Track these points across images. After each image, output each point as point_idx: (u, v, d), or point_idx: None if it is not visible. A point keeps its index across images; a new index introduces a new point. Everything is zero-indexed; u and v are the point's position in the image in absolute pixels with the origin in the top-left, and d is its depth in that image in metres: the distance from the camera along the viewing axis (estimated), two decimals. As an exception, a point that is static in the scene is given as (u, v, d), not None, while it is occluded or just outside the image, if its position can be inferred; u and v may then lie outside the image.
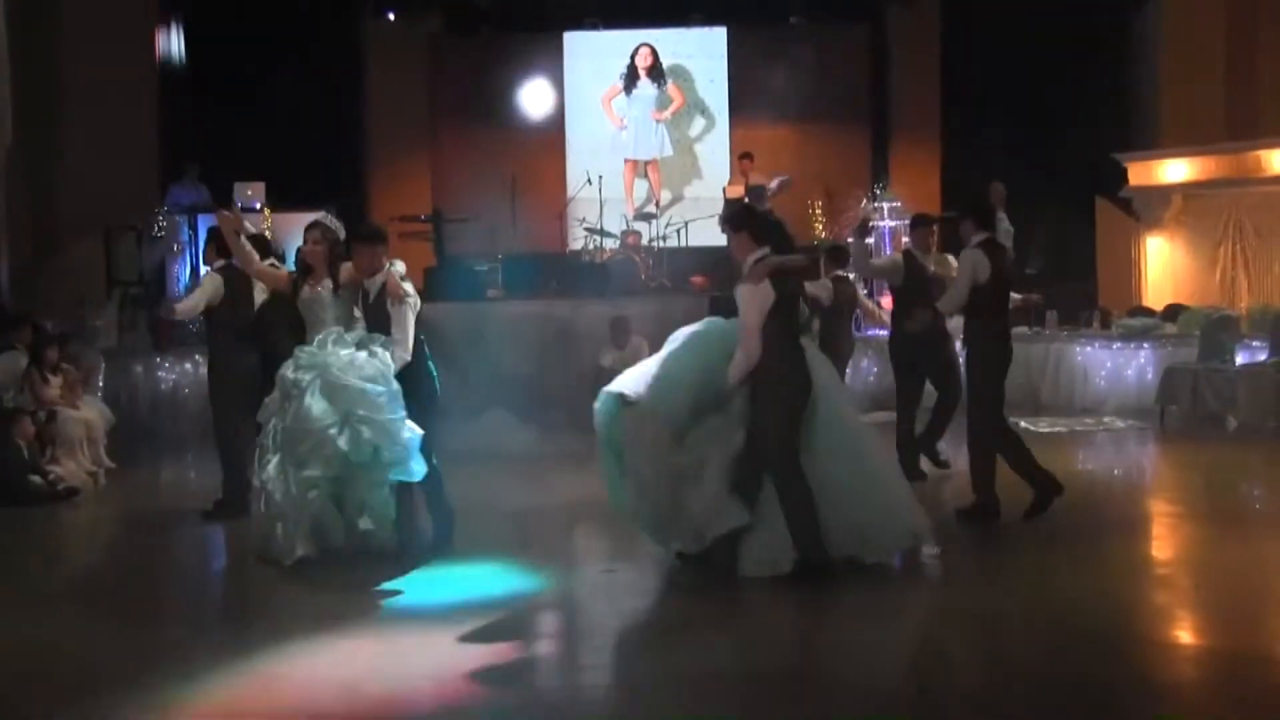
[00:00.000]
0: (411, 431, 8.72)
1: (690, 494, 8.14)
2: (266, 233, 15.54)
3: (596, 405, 8.53)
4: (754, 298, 8.08)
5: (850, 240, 13.57)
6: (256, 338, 10.68)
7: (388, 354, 8.79)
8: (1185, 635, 7.40)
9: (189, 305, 11.15)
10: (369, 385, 8.65)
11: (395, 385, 8.72)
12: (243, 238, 10.13)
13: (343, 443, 8.59)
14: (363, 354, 8.81)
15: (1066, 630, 7.23)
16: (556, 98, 21.85)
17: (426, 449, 8.85)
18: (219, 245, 10.76)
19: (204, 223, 18.21)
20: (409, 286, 8.99)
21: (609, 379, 14.71)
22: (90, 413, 12.98)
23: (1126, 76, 20.17)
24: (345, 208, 18.47)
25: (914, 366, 11.55)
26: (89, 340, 16.13)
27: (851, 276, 13.03)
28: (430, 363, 9.15)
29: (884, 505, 8.37)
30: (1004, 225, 11.02)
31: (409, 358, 8.90)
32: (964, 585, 8.48)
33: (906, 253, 11.88)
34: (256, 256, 10.08)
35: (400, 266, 9.15)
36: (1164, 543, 9.97)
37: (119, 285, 18.20)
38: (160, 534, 10.52)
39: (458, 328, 16.65)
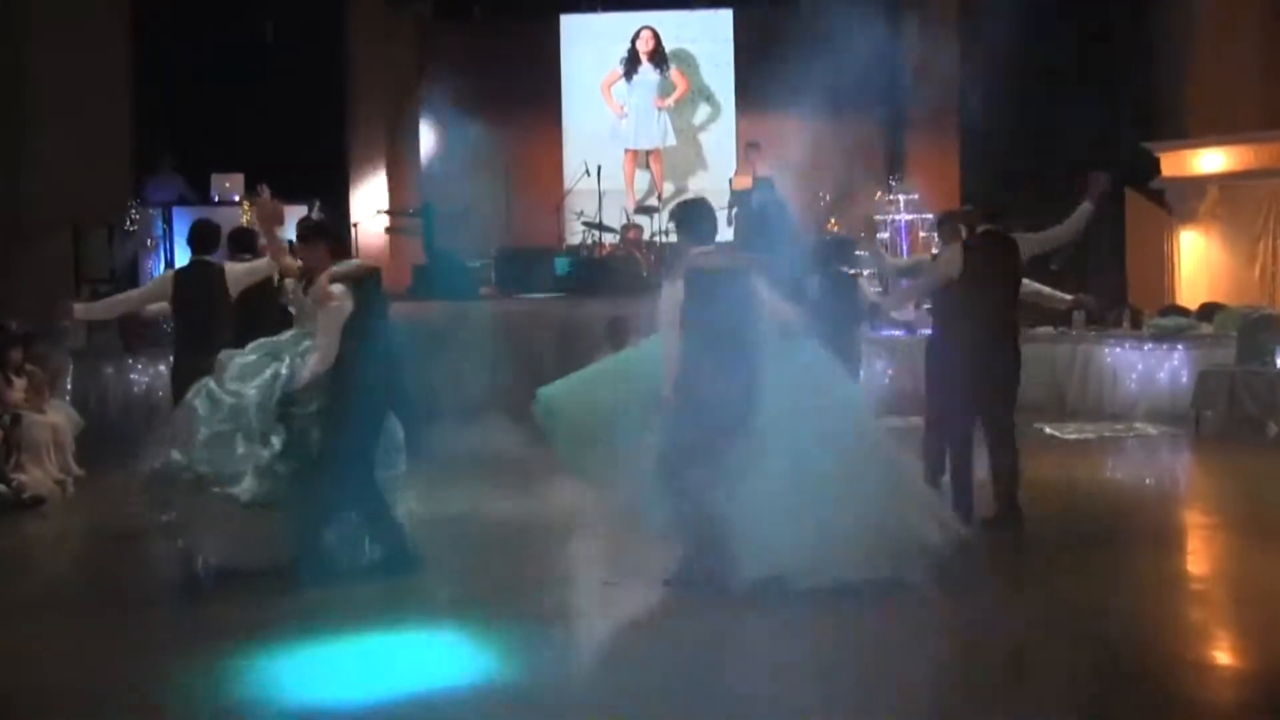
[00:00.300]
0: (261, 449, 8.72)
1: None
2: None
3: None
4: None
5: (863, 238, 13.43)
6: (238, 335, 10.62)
7: (297, 363, 8.79)
8: (1222, 655, 7.36)
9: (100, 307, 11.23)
10: (240, 397, 8.71)
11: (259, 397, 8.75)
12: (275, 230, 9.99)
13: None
14: (274, 363, 8.83)
15: (1094, 649, 7.17)
16: (553, 84, 21.82)
17: (357, 467, 8.79)
18: (236, 240, 10.62)
19: (179, 216, 18.22)
20: (336, 289, 8.75)
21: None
22: (57, 417, 12.91)
23: (1158, 63, 20.11)
24: (329, 201, 18.59)
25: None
26: (56, 340, 16.04)
27: (865, 274, 12.98)
28: (370, 372, 8.83)
29: (899, 518, 8.33)
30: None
31: (322, 368, 8.71)
32: (985, 600, 8.42)
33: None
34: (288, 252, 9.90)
35: (346, 266, 9.06)
36: (1199, 556, 9.92)
37: (88, 283, 18.15)
38: (131, 545, 10.46)
39: (449, 327, 16.64)
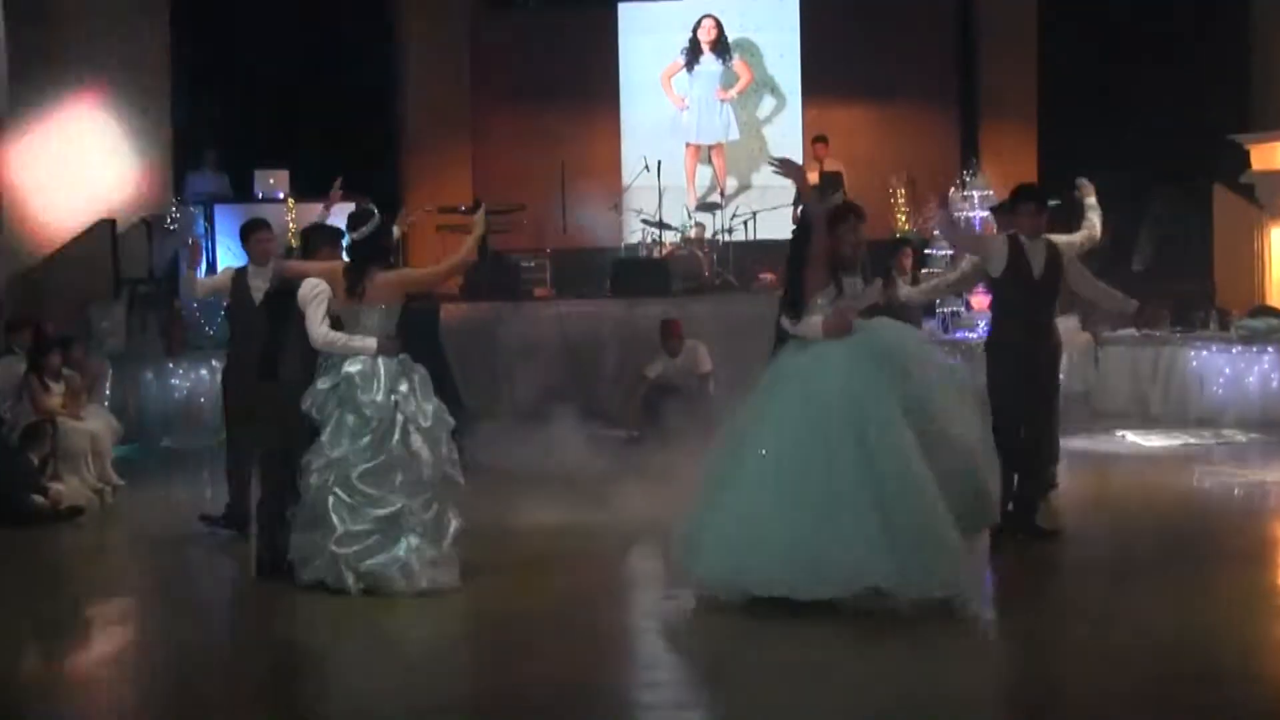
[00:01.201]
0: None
1: None
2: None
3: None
4: None
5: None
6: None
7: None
8: (1316, 676, 7.28)
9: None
10: None
11: None
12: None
13: None
14: None
15: (1176, 671, 7.11)
16: (610, 76, 21.81)
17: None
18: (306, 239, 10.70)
19: (221, 214, 18.31)
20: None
21: (657, 394, 14.73)
22: (96, 424, 12.99)
23: (1247, 49, 19.94)
24: (378, 198, 18.62)
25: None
26: (94, 344, 16.21)
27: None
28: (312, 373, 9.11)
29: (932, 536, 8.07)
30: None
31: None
32: (1060, 618, 8.37)
33: (1011, 237, 11.39)
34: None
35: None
36: (1291, 570, 9.84)
37: (127, 283, 18.29)
38: (171, 558, 10.54)
39: (502, 330, 16.72)
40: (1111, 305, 11.71)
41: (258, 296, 10.74)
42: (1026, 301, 10.09)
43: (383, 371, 8.79)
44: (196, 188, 19.19)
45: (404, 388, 8.83)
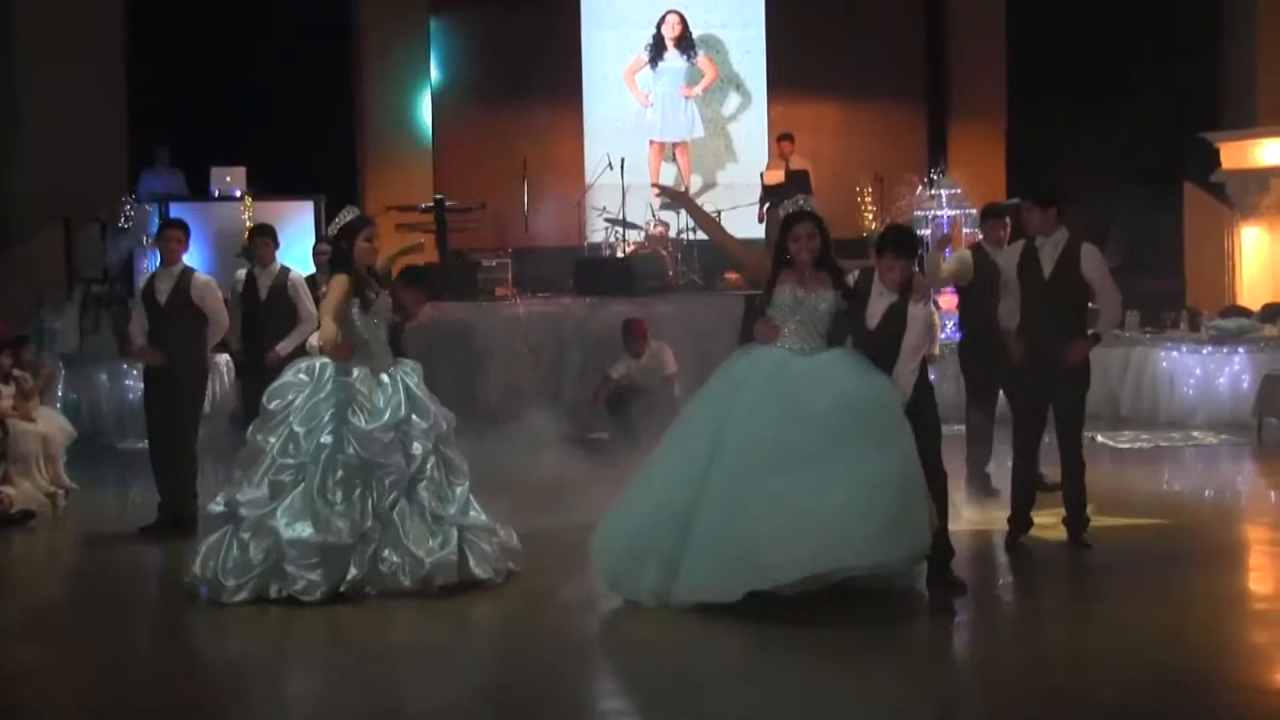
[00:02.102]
0: None
1: None
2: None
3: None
4: None
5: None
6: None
7: None
8: (1287, 679, 7.33)
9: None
10: None
11: None
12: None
13: None
14: None
15: (1149, 672, 7.15)
16: (573, 72, 21.78)
17: None
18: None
19: (177, 213, 18.23)
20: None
21: (620, 395, 14.72)
22: (48, 426, 12.90)
23: (1217, 47, 20.04)
24: (335, 197, 18.58)
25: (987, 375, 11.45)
26: (46, 344, 16.12)
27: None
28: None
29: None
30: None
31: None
32: (1035, 621, 8.41)
33: (976, 247, 11.83)
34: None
35: None
36: (1263, 574, 9.87)
37: (81, 283, 18.21)
38: (126, 562, 10.48)
39: (462, 330, 16.66)
40: None
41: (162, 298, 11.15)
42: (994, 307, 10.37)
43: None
44: (149, 186, 19.12)
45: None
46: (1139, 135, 19.00)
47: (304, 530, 8.65)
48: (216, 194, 18.73)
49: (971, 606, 8.51)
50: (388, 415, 8.89)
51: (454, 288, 17.49)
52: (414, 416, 8.99)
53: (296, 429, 8.85)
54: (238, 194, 18.39)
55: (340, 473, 8.77)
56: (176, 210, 18.11)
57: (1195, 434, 15.25)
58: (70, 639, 8.32)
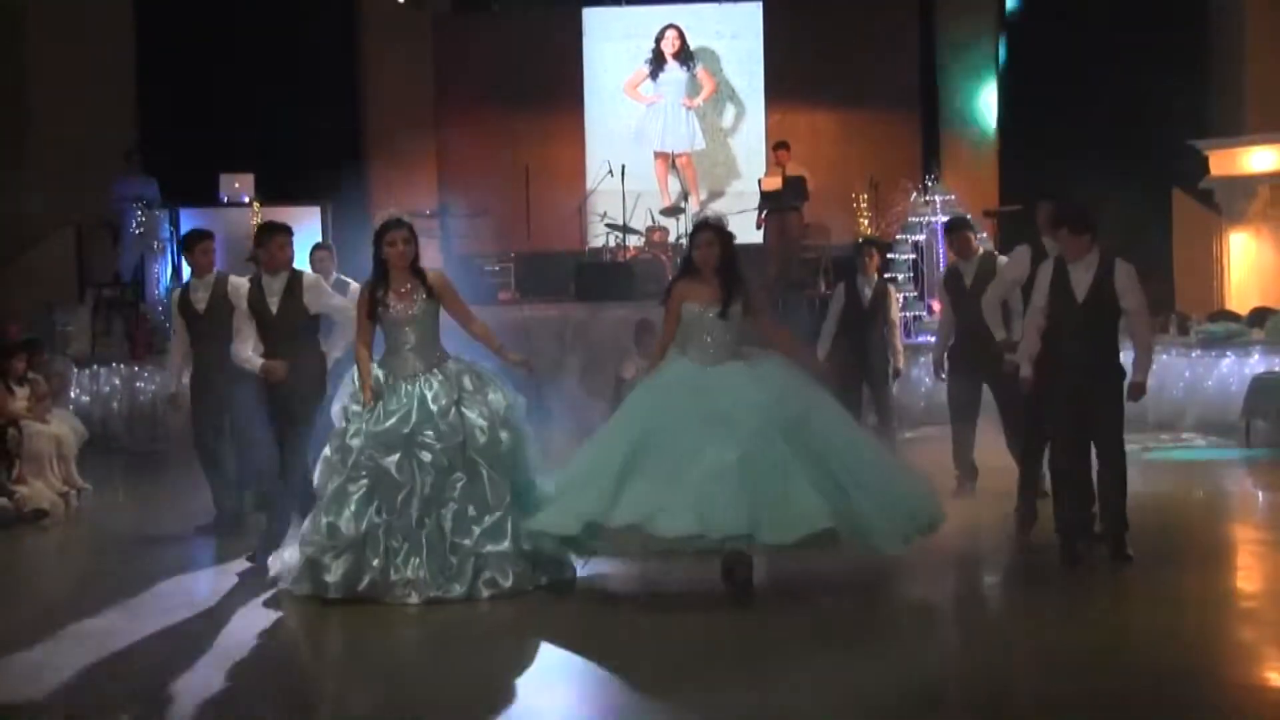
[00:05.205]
0: None
1: None
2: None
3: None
4: None
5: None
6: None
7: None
8: (1274, 676, 7.29)
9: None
10: None
11: None
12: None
13: None
14: None
15: (1139, 670, 7.12)
16: (575, 81, 21.79)
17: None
18: None
19: (188, 219, 18.22)
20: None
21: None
22: (61, 427, 12.93)
23: (1206, 55, 20.02)
24: (342, 202, 18.63)
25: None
26: (59, 347, 16.13)
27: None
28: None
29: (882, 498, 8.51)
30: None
31: None
32: (1027, 619, 8.39)
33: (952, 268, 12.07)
34: None
35: None
36: (1250, 573, 9.84)
37: (93, 287, 18.22)
38: (137, 561, 10.46)
39: (464, 334, 16.63)
40: None
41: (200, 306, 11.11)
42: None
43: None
44: (123, 191, 19.00)
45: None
46: (1129, 143, 19.00)
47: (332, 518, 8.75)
48: (226, 200, 18.73)
49: (959, 604, 8.50)
50: (390, 424, 8.77)
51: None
52: (426, 431, 8.74)
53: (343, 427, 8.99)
54: (246, 200, 18.39)
55: (362, 476, 8.78)
56: (187, 216, 18.17)
57: (1184, 436, 15.25)
58: (78, 635, 8.31)
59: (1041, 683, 7.04)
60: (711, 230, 9.02)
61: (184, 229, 17.99)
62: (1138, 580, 9.00)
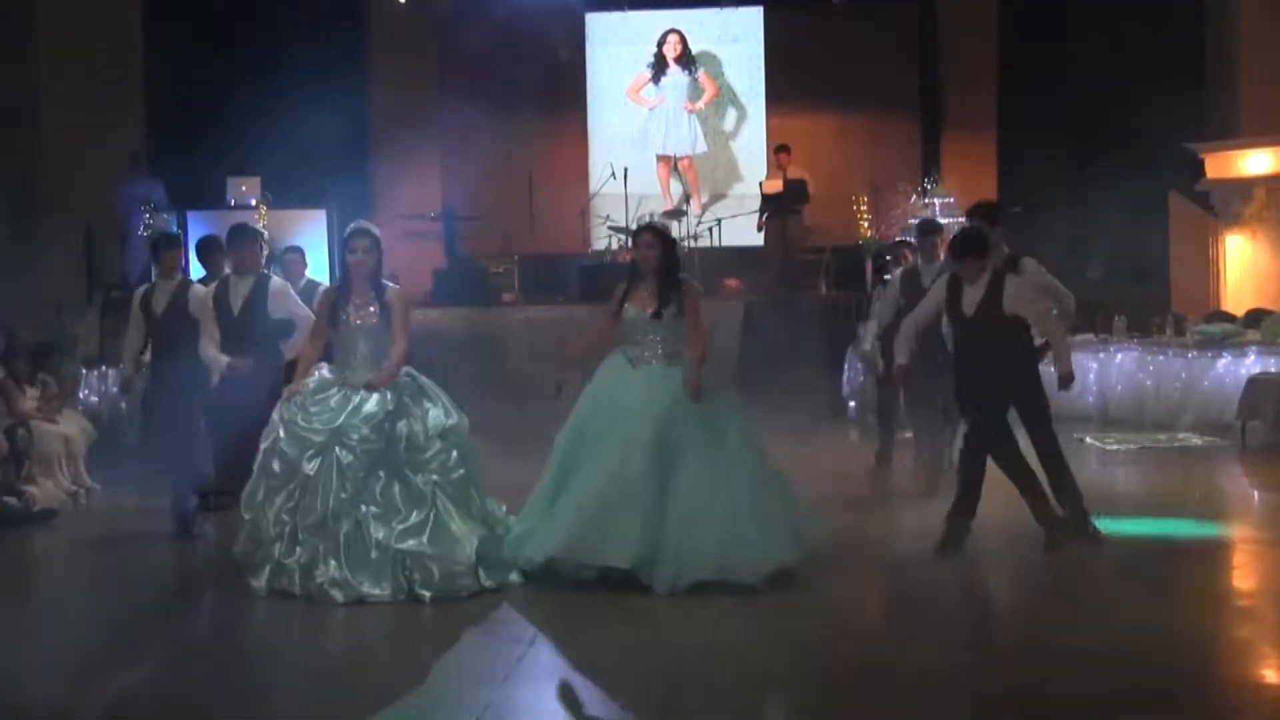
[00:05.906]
0: None
1: None
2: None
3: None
4: None
5: None
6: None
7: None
8: (1270, 673, 7.32)
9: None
10: None
11: None
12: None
13: None
14: None
15: (1138, 668, 7.14)
16: (578, 85, 21.82)
17: None
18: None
19: (195, 221, 18.25)
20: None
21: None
22: (70, 428, 12.95)
23: (1203, 58, 20.05)
24: (347, 205, 18.64)
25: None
26: (68, 349, 16.14)
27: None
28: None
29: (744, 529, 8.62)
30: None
31: None
32: (1026, 618, 8.42)
33: (910, 270, 12.12)
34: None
35: None
36: (1246, 572, 9.85)
37: (101, 289, 18.23)
38: (146, 560, 10.49)
39: (469, 335, 16.69)
40: None
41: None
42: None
43: None
44: (131, 193, 19.01)
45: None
46: (1125, 145, 19.04)
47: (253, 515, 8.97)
48: (233, 203, 18.75)
49: (957, 605, 8.52)
50: (315, 425, 8.81)
51: (461, 292, 17.54)
52: (351, 435, 8.74)
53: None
54: (252, 202, 18.40)
55: (284, 476, 8.87)
56: (194, 218, 18.19)
57: (1181, 436, 15.26)
58: (86, 632, 8.33)
59: (1039, 682, 7.05)
60: (652, 233, 9.27)
61: (191, 231, 18.12)
62: (1136, 579, 9.02)
